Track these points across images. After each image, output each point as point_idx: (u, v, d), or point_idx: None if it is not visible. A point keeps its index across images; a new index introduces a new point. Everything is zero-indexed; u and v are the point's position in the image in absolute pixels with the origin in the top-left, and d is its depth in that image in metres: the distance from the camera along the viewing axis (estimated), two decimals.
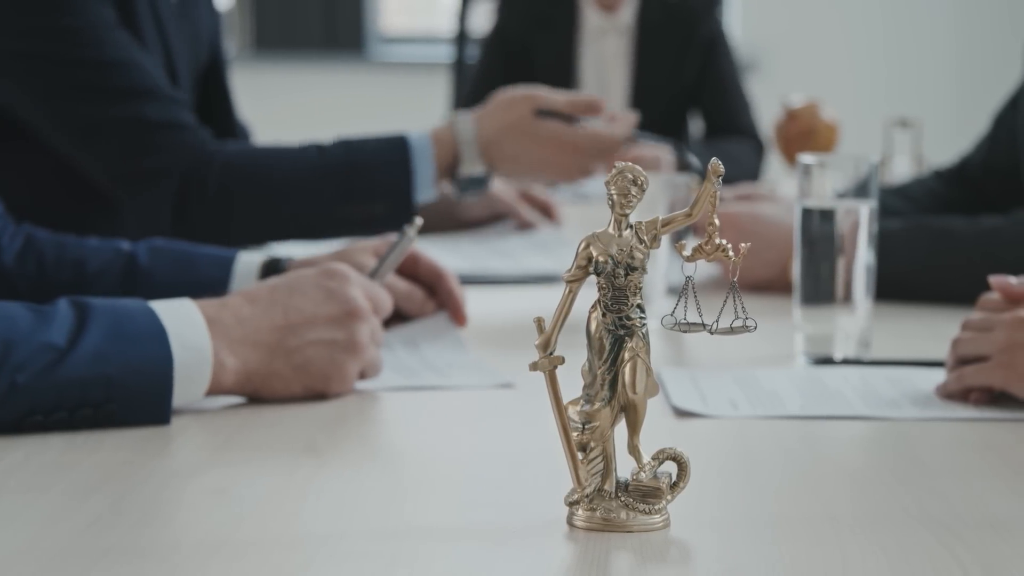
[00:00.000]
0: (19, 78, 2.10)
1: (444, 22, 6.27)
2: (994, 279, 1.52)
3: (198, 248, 1.82)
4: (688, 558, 1.07)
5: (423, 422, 1.49)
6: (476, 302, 1.88)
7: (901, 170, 3.24)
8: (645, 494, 1.10)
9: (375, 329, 1.53)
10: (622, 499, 1.10)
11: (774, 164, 4.00)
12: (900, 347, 1.76)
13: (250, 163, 2.16)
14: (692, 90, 3.95)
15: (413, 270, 1.78)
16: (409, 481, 1.26)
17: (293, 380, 1.48)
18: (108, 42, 2.10)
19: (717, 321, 1.10)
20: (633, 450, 1.10)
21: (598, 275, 1.08)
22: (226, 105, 2.40)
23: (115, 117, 2.11)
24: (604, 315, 1.09)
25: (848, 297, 1.71)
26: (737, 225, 2.12)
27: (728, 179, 1.28)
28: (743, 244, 1.10)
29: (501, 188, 2.72)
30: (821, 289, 1.72)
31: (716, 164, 1.08)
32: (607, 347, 1.09)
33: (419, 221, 1.70)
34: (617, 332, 1.09)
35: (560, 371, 1.09)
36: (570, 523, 1.10)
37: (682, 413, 1.47)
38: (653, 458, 1.10)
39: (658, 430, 1.22)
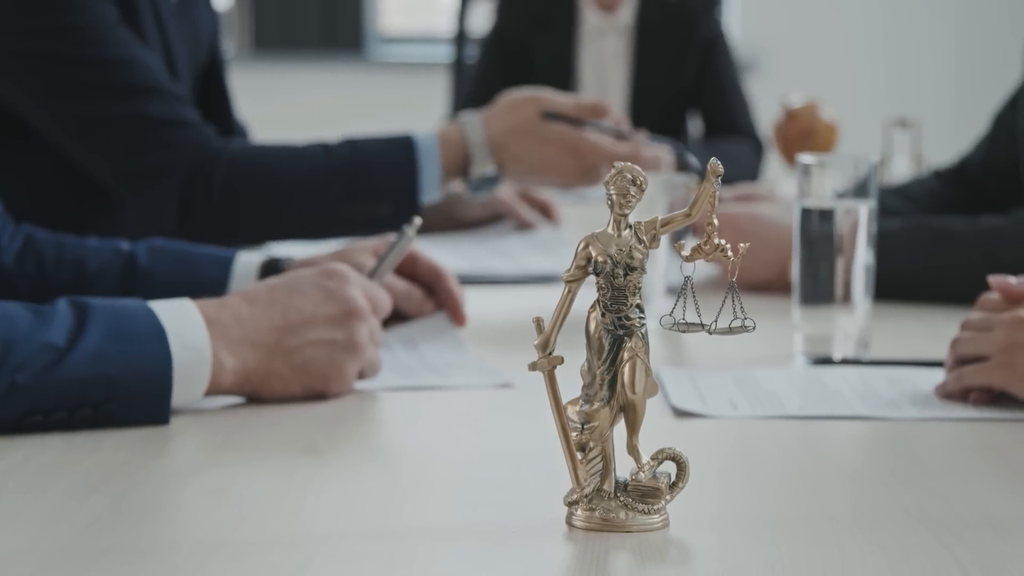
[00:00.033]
0: (21, 78, 2.10)
1: (443, 22, 6.27)
2: (993, 279, 1.52)
3: (197, 248, 1.82)
4: (687, 558, 1.07)
5: (422, 422, 1.49)
6: (475, 302, 1.88)
7: (900, 170, 3.24)
8: (644, 494, 1.10)
9: (374, 329, 1.53)
10: (621, 499, 1.10)
11: (773, 164, 4.00)
12: (899, 347, 1.76)
13: (255, 161, 2.16)
14: (691, 90, 3.95)
15: (412, 270, 1.78)
16: (408, 481, 1.26)
17: (292, 380, 1.48)
18: (110, 40, 2.10)
19: (716, 321, 1.10)
20: (632, 450, 1.10)
21: (597, 275, 1.08)
22: (225, 105, 2.40)
23: (118, 115, 2.11)
24: (603, 315, 1.09)
25: (847, 297, 1.72)
26: (736, 225, 2.12)
27: (727, 179, 1.29)
28: (742, 244, 1.10)
29: (501, 189, 2.72)
30: (820, 289, 1.72)
31: (715, 164, 1.08)
32: (606, 347, 1.09)
33: (418, 221, 1.70)
34: (616, 332, 1.09)
35: (559, 371, 1.09)
36: (569, 523, 1.10)
37: (681, 413, 1.47)
38: (652, 458, 1.10)
39: (657, 430, 1.22)
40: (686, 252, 1.10)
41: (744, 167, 3.65)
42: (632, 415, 1.09)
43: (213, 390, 1.44)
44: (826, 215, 1.71)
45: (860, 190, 1.71)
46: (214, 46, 2.38)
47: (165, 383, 1.39)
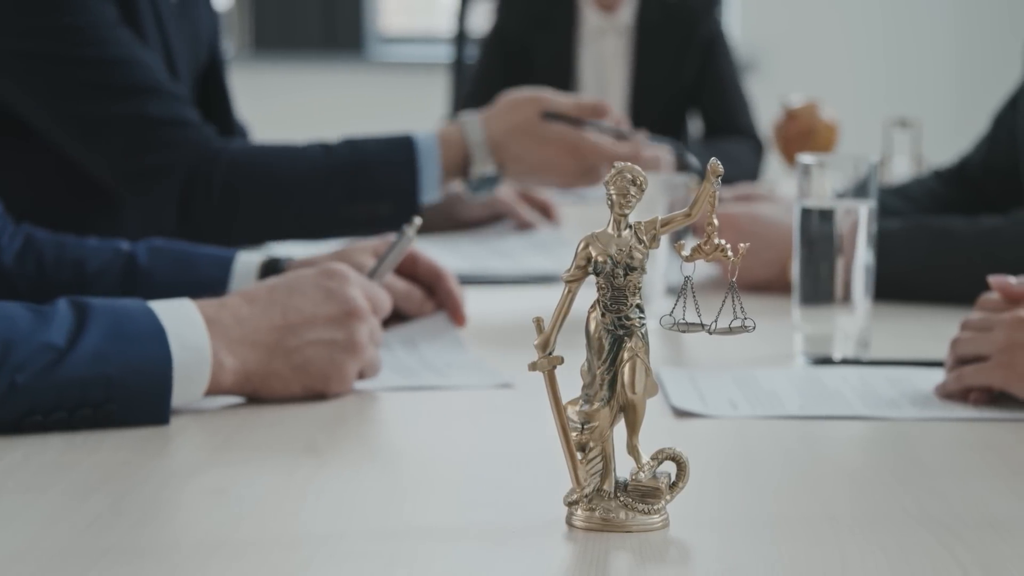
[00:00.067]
0: (21, 78, 2.10)
1: (443, 22, 6.27)
2: (993, 279, 1.52)
3: (197, 248, 1.82)
4: (687, 558, 1.07)
5: (422, 422, 1.49)
6: (475, 302, 1.88)
7: (900, 170, 3.24)
8: (644, 494, 1.10)
9: (374, 329, 1.53)
10: (621, 499, 1.10)
11: (773, 164, 4.00)
12: (899, 347, 1.76)
13: (256, 161, 2.16)
14: (691, 90, 3.95)
15: (412, 270, 1.78)
16: (408, 481, 1.26)
17: (292, 380, 1.48)
18: (110, 40, 2.10)
19: (716, 321, 1.10)
20: (632, 450, 1.10)
21: (597, 275, 1.08)
22: (225, 105, 2.40)
23: (118, 115, 2.11)
24: (603, 315, 1.09)
25: (847, 297, 1.72)
26: (736, 225, 2.12)
27: (727, 179, 1.29)
28: (742, 244, 1.10)
29: (501, 189, 2.72)
30: (820, 289, 1.72)
31: (715, 164, 1.08)
32: (606, 347, 1.09)
33: (418, 221, 1.70)
34: (616, 332, 1.09)
35: (559, 371, 1.09)
36: (569, 523, 1.10)
37: (681, 413, 1.47)
38: (652, 458, 1.10)
39: (657, 430, 1.22)
40: (686, 252, 1.10)
41: (744, 167, 3.65)
42: (632, 415, 1.09)
43: (213, 390, 1.44)
44: (826, 215, 1.71)
45: (860, 190, 1.71)
46: (214, 46, 2.38)
47: (165, 383, 1.39)
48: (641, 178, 1.08)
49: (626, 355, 1.09)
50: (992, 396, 1.49)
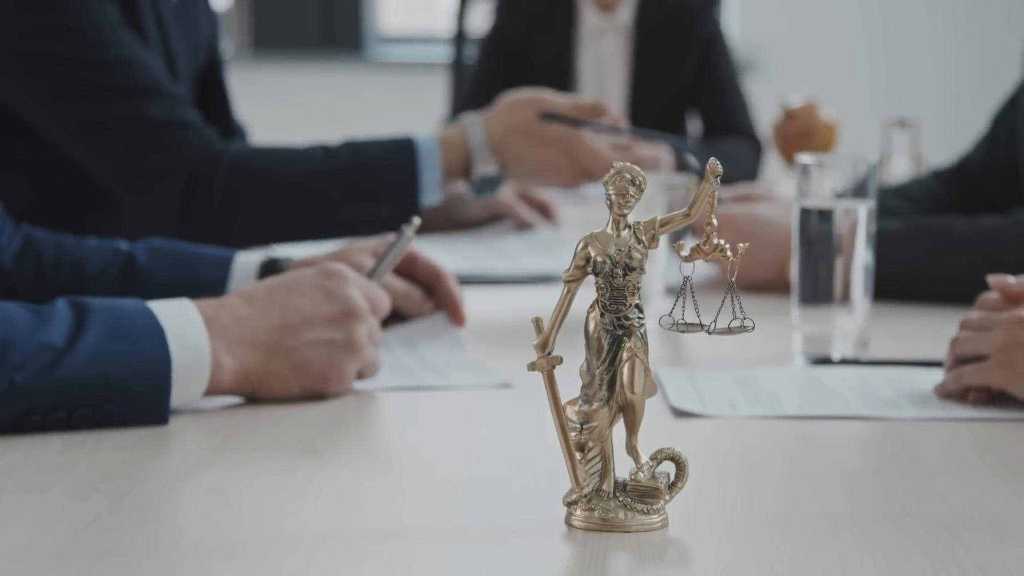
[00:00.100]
0: (22, 78, 2.10)
1: (442, 22, 6.27)
2: (993, 279, 1.52)
3: (196, 248, 1.82)
4: (686, 558, 1.07)
5: (421, 422, 1.49)
6: (474, 302, 1.88)
7: (900, 170, 3.24)
8: (643, 494, 1.10)
9: (373, 329, 1.53)
10: (620, 499, 1.10)
11: (772, 164, 4.00)
12: (898, 347, 1.76)
13: (256, 163, 2.17)
14: (690, 90, 3.95)
15: (411, 270, 1.78)
16: (407, 481, 1.26)
17: (291, 380, 1.48)
18: (111, 42, 2.10)
19: (715, 321, 1.10)
20: (631, 450, 1.10)
21: (596, 275, 1.08)
22: (224, 105, 2.40)
23: (119, 116, 2.11)
24: (602, 315, 1.09)
25: (846, 297, 1.72)
26: (735, 225, 2.12)
27: (726, 179, 1.29)
28: (741, 244, 1.10)
29: (500, 189, 2.72)
30: (819, 289, 1.72)
31: (714, 164, 1.08)
32: (605, 347, 1.09)
33: (417, 221, 1.70)
34: (615, 332, 1.09)
35: (558, 371, 1.09)
36: (568, 523, 1.10)
37: (680, 413, 1.47)
38: (651, 458, 1.10)
39: (656, 430, 1.22)
40: (685, 252, 1.10)
41: (743, 167, 3.65)
42: (631, 415, 1.09)
43: (212, 390, 1.44)
44: (825, 215, 1.71)
45: (859, 190, 1.71)
46: (213, 46, 2.38)
47: (164, 383, 1.39)
48: (640, 178, 1.08)
49: (625, 355, 1.09)
50: (991, 396, 1.49)
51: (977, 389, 1.49)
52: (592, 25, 4.00)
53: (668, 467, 1.11)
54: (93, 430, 1.36)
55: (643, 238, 1.09)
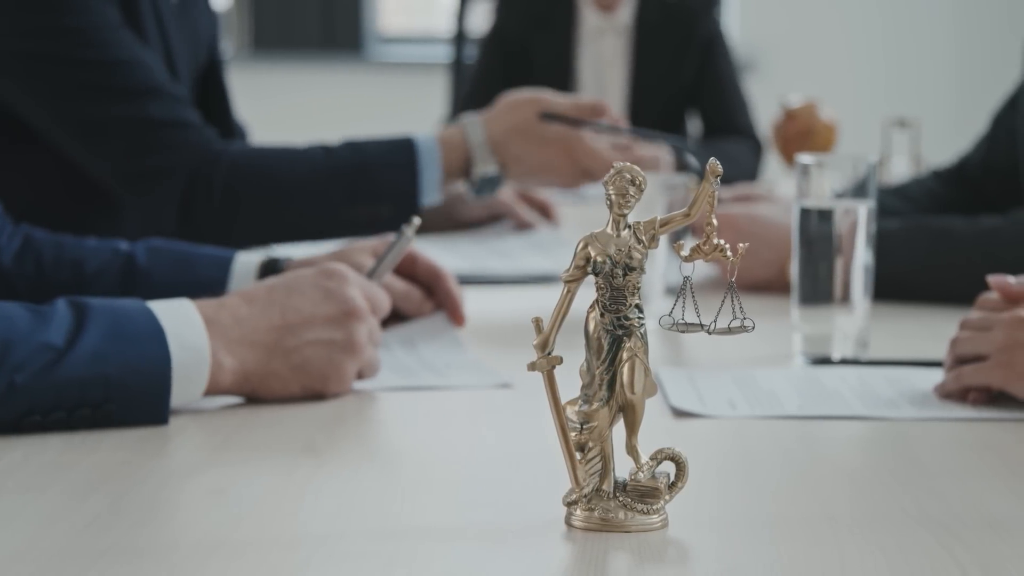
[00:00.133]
0: (22, 78, 2.10)
1: (442, 22, 6.27)
2: (993, 279, 1.52)
3: (196, 248, 1.82)
4: (686, 558, 1.07)
5: (421, 422, 1.49)
6: (474, 302, 1.88)
7: (899, 170, 3.24)
8: (643, 494, 1.10)
9: (373, 329, 1.53)
10: (620, 499, 1.10)
11: (772, 164, 4.00)
12: (898, 347, 1.76)
13: (256, 163, 2.17)
14: (690, 90, 3.95)
15: (411, 270, 1.78)
16: (407, 481, 1.26)
17: (291, 380, 1.48)
18: (111, 42, 2.10)
19: (715, 321, 1.10)
20: (631, 450, 1.10)
21: (596, 275, 1.08)
22: (224, 105, 2.40)
23: (119, 117, 2.11)
24: (602, 315, 1.09)
25: (846, 297, 1.72)
26: (735, 226, 2.12)
27: (726, 179, 1.29)
28: (741, 244, 1.10)
29: (500, 189, 2.72)
30: (819, 289, 1.72)
31: (714, 164, 1.08)
32: (605, 347, 1.09)
33: (417, 221, 1.70)
34: (615, 332, 1.09)
35: (558, 371, 1.09)
36: (568, 523, 1.10)
37: (680, 413, 1.47)
38: (651, 458, 1.10)
39: (656, 430, 1.22)
40: (685, 252, 1.10)
41: (743, 167, 3.65)
42: (631, 415, 1.09)
43: (212, 390, 1.44)
44: (825, 215, 1.71)
45: (859, 190, 1.71)
46: (213, 46, 2.38)
47: (164, 383, 1.39)
48: (640, 178, 1.08)
49: (625, 355, 1.09)
50: (991, 396, 1.49)
51: (977, 389, 1.49)
52: (592, 25, 4.00)
53: (668, 467, 1.11)
54: (93, 430, 1.36)
55: (643, 238, 1.09)
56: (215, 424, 1.42)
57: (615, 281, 1.08)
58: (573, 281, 1.08)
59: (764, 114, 3.95)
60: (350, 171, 2.15)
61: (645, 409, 1.10)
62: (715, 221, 1.09)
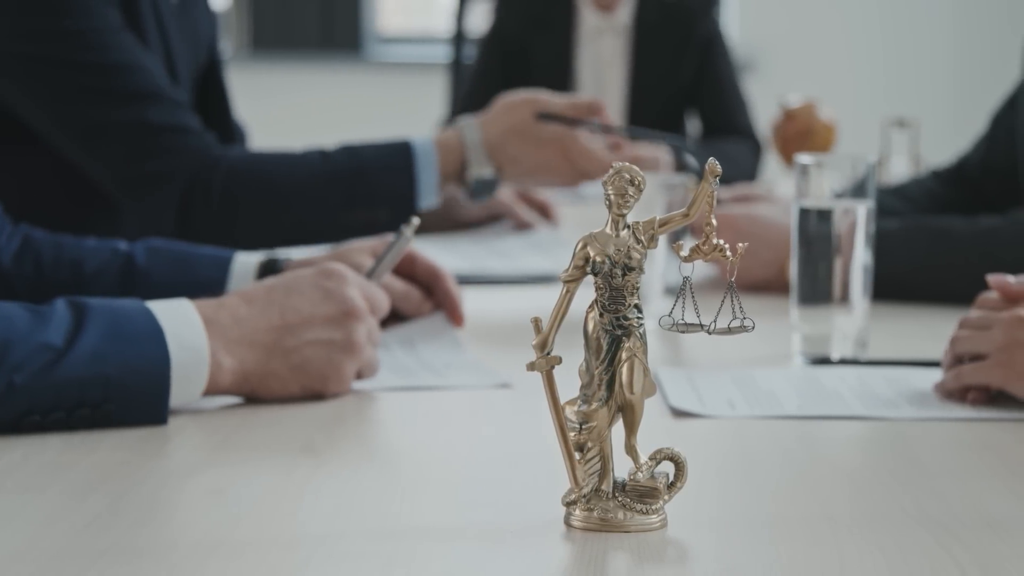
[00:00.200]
0: (22, 80, 2.10)
1: (441, 22, 6.27)
2: (992, 278, 1.52)
3: (196, 248, 1.82)
4: (685, 558, 1.07)
5: (420, 422, 1.49)
6: (473, 302, 1.88)
7: (899, 170, 3.24)
8: (642, 494, 1.10)
9: (372, 329, 1.53)
10: (619, 499, 1.10)
11: (771, 164, 4.00)
12: (897, 347, 1.76)
13: (255, 168, 2.17)
14: (689, 90, 3.95)
15: (410, 270, 1.79)
16: (406, 481, 1.26)
17: (290, 380, 1.48)
18: (112, 45, 2.10)
19: (715, 321, 1.10)
20: (630, 450, 1.10)
21: (595, 275, 1.08)
22: (223, 105, 2.40)
23: (119, 121, 2.11)
24: (601, 315, 1.09)
25: (845, 297, 1.72)
26: (734, 226, 2.12)
27: (725, 179, 1.29)
28: (740, 244, 1.10)
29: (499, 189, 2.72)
30: (818, 289, 1.72)
31: (713, 164, 1.08)
32: (604, 347, 1.09)
33: (416, 221, 1.70)
34: (614, 332, 1.09)
35: (557, 371, 1.09)
36: (567, 523, 1.10)
37: (679, 413, 1.47)
38: (650, 458, 1.10)
39: (655, 430, 1.22)
40: (684, 252, 1.10)
41: (742, 167, 3.65)
42: (630, 415, 1.09)
43: (211, 390, 1.44)
44: (824, 215, 1.71)
45: (858, 190, 1.71)
46: (213, 47, 2.38)
47: (163, 383, 1.39)
48: (639, 178, 1.08)
49: (624, 355, 1.09)
50: (990, 396, 1.49)
51: (976, 388, 1.49)
52: (591, 25, 4.00)
53: (667, 467, 1.11)
54: (92, 430, 1.36)
55: (642, 238, 1.09)
56: (214, 424, 1.42)
57: (614, 281, 1.08)
58: (572, 281, 1.08)
59: (763, 114, 3.95)
60: (347, 175, 2.15)
61: (644, 409, 1.10)
62: (714, 221, 1.09)
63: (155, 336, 1.39)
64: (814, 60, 6.75)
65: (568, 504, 1.10)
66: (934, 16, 6.80)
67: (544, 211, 2.80)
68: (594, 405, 1.09)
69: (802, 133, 3.46)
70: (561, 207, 2.88)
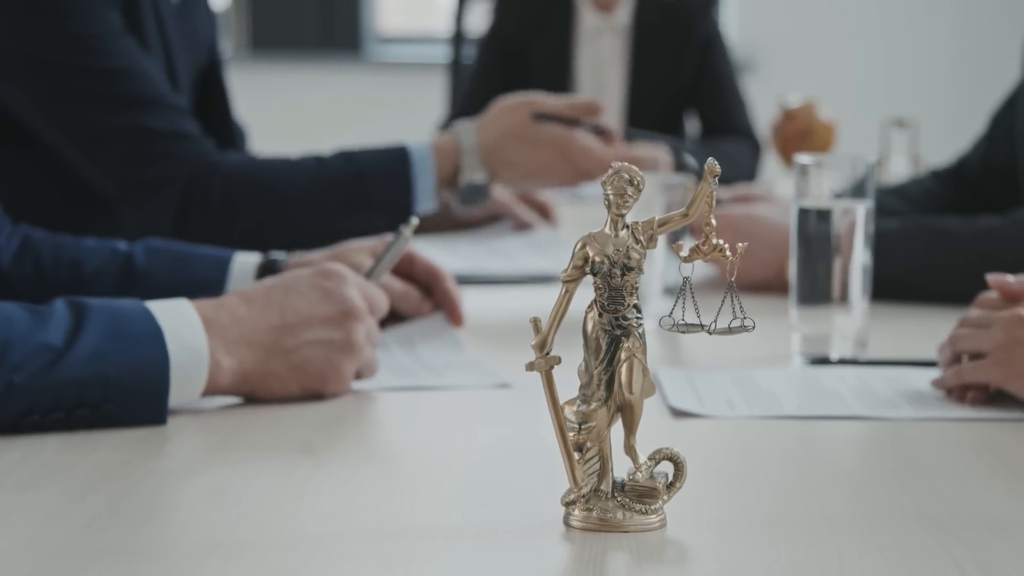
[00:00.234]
0: (22, 83, 2.10)
1: (441, 22, 6.27)
2: (992, 277, 1.52)
3: (195, 248, 1.82)
4: (684, 558, 1.07)
5: (419, 422, 1.49)
6: (473, 302, 1.88)
7: (898, 170, 3.24)
8: (641, 494, 1.10)
9: (371, 329, 1.53)
10: (618, 499, 1.10)
11: (771, 164, 4.00)
12: (897, 347, 1.76)
13: (252, 174, 2.17)
14: (688, 90, 3.94)
15: (409, 270, 1.79)
16: (405, 481, 1.26)
17: (290, 380, 1.48)
18: (112, 51, 2.09)
19: (715, 321, 1.10)
20: (629, 450, 1.10)
21: (594, 275, 1.08)
22: (224, 106, 2.40)
23: (118, 126, 2.11)
24: (600, 315, 1.09)
25: (845, 297, 1.72)
26: (734, 226, 2.12)
27: (725, 179, 1.29)
28: (740, 244, 1.10)
29: (499, 189, 2.72)
30: (818, 289, 1.72)
31: (712, 164, 1.08)
32: (603, 347, 1.09)
33: (415, 221, 1.70)
34: (613, 332, 1.09)
35: (556, 371, 1.09)
36: (566, 523, 1.10)
37: (679, 413, 1.47)
38: (649, 458, 1.10)
39: (655, 430, 1.22)
40: (684, 253, 1.10)
41: (742, 167, 3.65)
42: (629, 415, 1.09)
43: (210, 390, 1.44)
44: (823, 215, 1.71)
45: (858, 190, 1.71)
46: (213, 47, 2.38)
47: (162, 383, 1.39)
48: (638, 178, 1.08)
49: (623, 355, 1.09)
50: (989, 396, 1.49)
51: (975, 388, 1.49)
52: (590, 25, 4.00)
53: (666, 467, 1.11)
54: (92, 430, 1.36)
55: (641, 238, 1.09)
56: (214, 424, 1.42)
57: (613, 281, 1.08)
58: (571, 281, 1.08)
59: (763, 114, 3.95)
60: (345, 181, 2.15)
61: (643, 409, 1.10)
62: (713, 221, 1.09)
63: (154, 336, 1.39)
64: (813, 60, 6.75)
65: (567, 504, 1.10)
66: (934, 16, 6.80)
67: (544, 211, 2.80)
68: (593, 405, 1.09)
69: (801, 133, 3.46)
70: (560, 207, 2.88)
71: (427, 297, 1.80)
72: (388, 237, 1.75)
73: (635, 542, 1.08)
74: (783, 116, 3.51)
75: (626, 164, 1.08)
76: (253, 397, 1.48)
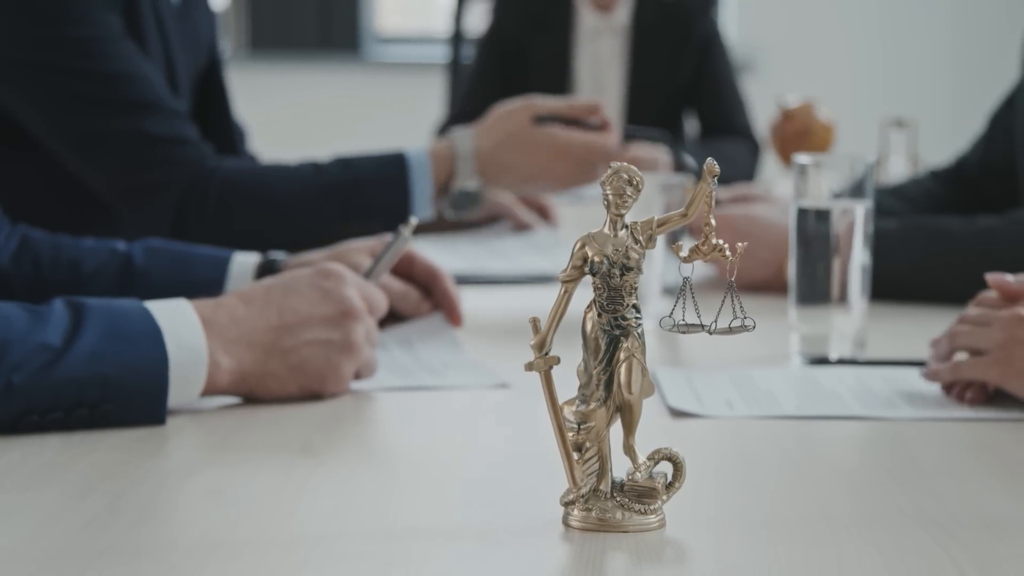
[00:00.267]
0: (22, 86, 2.10)
1: (440, 22, 6.27)
2: (991, 277, 1.52)
3: (194, 248, 1.82)
4: (684, 558, 1.07)
5: (418, 422, 1.49)
6: (472, 302, 1.88)
7: (897, 170, 3.24)
8: (641, 494, 1.10)
9: (370, 329, 1.53)
10: (618, 499, 1.10)
11: (770, 164, 4.00)
12: (896, 347, 1.76)
13: (250, 180, 2.17)
14: (687, 90, 3.95)
15: (409, 270, 1.79)
16: (405, 481, 1.26)
17: (289, 380, 1.48)
18: (112, 54, 2.09)
19: (715, 321, 1.10)
20: (629, 450, 1.10)
21: (594, 275, 1.08)
22: (224, 106, 2.40)
23: (117, 131, 2.11)
24: (600, 315, 1.09)
25: (844, 297, 1.72)
26: (733, 226, 2.12)
27: (724, 179, 1.29)
28: (739, 244, 1.10)
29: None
30: (817, 289, 1.72)
31: (711, 164, 1.08)
32: (603, 347, 1.09)
33: (414, 221, 1.70)
34: (613, 332, 1.09)
35: (556, 371, 1.09)
36: (566, 523, 1.10)
37: (678, 413, 1.47)
38: (649, 458, 1.10)
39: (654, 430, 1.22)
40: (684, 253, 1.10)
41: (740, 167, 3.65)
42: (628, 415, 1.09)
43: (209, 390, 1.44)
44: (822, 215, 1.72)
45: (856, 190, 1.71)
46: (213, 47, 2.38)
47: (161, 383, 1.39)
48: (637, 178, 1.08)
49: (622, 355, 1.09)
50: (988, 396, 1.49)
51: (973, 387, 1.49)
52: (589, 25, 4.00)
53: (665, 467, 1.11)
54: (90, 430, 1.36)
55: (640, 238, 1.09)
56: (213, 424, 1.42)
57: (612, 281, 1.08)
58: (570, 281, 1.08)
59: (762, 114, 3.95)
60: (342, 187, 2.15)
61: (643, 409, 1.10)
62: (713, 221, 1.09)
63: (153, 336, 1.39)
64: (812, 60, 6.76)
65: (566, 504, 1.10)
66: (933, 16, 6.80)
67: (543, 212, 2.80)
68: (592, 405, 1.09)
69: (800, 133, 3.46)
70: (559, 207, 2.88)
71: (426, 297, 1.80)
72: (387, 237, 1.75)
73: (634, 542, 1.08)
74: (782, 116, 3.51)
75: (625, 164, 1.08)
76: (252, 397, 1.48)
